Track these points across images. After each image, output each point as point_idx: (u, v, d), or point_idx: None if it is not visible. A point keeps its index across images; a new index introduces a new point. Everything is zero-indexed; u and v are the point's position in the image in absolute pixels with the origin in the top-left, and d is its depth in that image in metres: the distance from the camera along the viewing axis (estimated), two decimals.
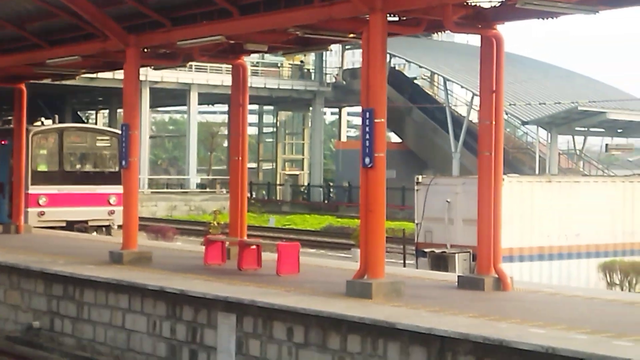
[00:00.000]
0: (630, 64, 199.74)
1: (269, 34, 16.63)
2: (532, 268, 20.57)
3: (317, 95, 63.59)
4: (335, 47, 62.48)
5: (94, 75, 44.22)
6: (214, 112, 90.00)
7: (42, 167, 27.87)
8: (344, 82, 64.17)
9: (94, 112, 78.41)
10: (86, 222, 27.31)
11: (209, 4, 16.47)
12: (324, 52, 59.07)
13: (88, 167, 28.59)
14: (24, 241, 21.96)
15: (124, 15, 17.98)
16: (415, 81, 66.42)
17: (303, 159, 71.05)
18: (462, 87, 54.44)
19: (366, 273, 13.24)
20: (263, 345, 12.68)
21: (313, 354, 12.00)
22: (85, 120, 75.49)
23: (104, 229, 27.65)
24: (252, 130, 73.26)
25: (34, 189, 26.59)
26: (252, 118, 74.39)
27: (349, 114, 76.09)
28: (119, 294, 15.08)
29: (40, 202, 26.73)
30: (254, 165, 72.59)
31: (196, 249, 20.93)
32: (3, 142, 27.91)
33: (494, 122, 14.09)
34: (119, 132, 22.31)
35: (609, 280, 20.35)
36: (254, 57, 58.05)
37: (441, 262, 20.01)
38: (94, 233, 27.00)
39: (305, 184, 67.02)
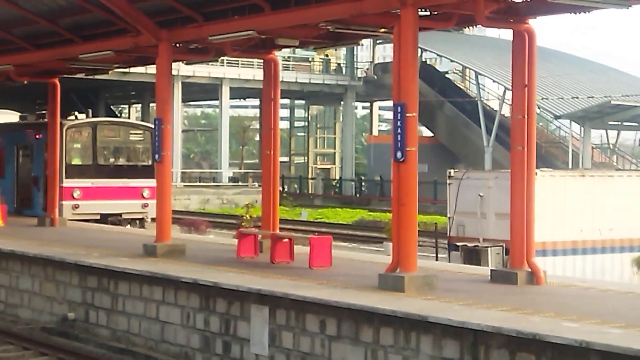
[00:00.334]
0: None
1: (300, 28, 16.67)
2: (565, 262, 20.48)
3: (348, 90, 63.57)
4: (367, 42, 62.45)
5: (126, 70, 44.47)
6: (246, 106, 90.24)
7: (76, 161, 28.11)
8: (375, 77, 64.09)
9: (126, 106, 78.89)
10: (120, 215, 27.52)
11: None
12: (355, 47, 58.99)
13: (121, 161, 28.79)
14: (59, 234, 22.19)
15: (156, 11, 18.10)
16: (447, 75, 66.21)
17: (335, 152, 71.07)
18: (494, 81, 54.23)
19: (398, 266, 13.27)
20: (296, 338, 12.75)
21: (346, 347, 12.06)
22: (118, 115, 76.00)
23: (137, 222, 27.84)
24: (283, 124, 73.47)
25: (68, 183, 26.82)
26: (284, 112, 74.55)
27: (380, 108, 75.98)
28: (153, 286, 15.22)
29: (75, 195, 26.97)
30: (285, 159, 72.72)
31: (229, 242, 21.05)
32: (37, 136, 28.20)
33: (526, 117, 14.05)
34: (152, 126, 22.47)
35: None
36: (285, 51, 58.18)
37: (474, 256, 19.96)
38: (128, 226, 27.20)
39: (337, 177, 67.05)
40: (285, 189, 61.25)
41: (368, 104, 74.10)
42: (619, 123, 52.97)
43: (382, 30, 15.56)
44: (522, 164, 14.03)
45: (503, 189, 17.60)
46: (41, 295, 17.93)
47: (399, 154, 13.23)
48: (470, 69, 58.62)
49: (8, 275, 18.88)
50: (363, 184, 62.09)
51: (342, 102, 65.93)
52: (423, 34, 14.34)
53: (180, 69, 50.61)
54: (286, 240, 16.85)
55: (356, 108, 74.67)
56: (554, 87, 51.30)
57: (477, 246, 20.28)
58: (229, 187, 55.45)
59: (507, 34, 15.83)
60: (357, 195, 60.14)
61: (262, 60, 19.17)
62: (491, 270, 15.01)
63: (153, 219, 23.09)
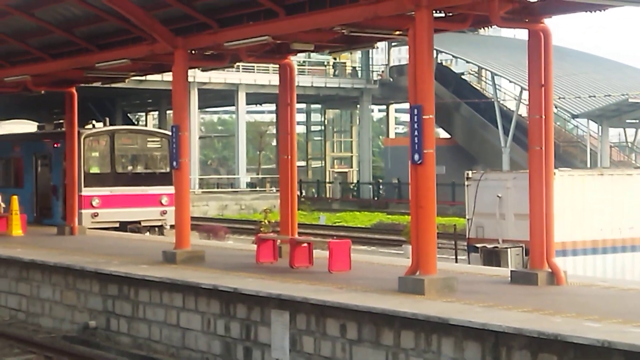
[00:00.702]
0: None
1: (315, 33, 16.68)
2: (585, 262, 20.38)
3: (364, 93, 63.57)
4: (382, 44, 62.42)
5: (142, 78, 44.67)
6: (262, 112, 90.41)
7: (95, 169, 28.22)
8: (391, 79, 64.08)
9: (143, 114, 79.21)
10: (139, 222, 27.60)
11: (255, 5, 16.57)
12: (370, 50, 59.03)
13: (139, 169, 28.89)
14: (79, 242, 22.28)
15: (171, 18, 18.16)
16: (463, 76, 66.11)
17: (352, 156, 71.08)
18: (510, 81, 54.10)
19: (418, 269, 13.25)
20: (317, 342, 12.75)
21: (367, 350, 12.05)
22: (136, 122, 76.29)
23: (156, 229, 27.92)
24: (300, 129, 73.53)
25: (87, 191, 26.94)
26: (300, 117, 74.60)
27: (396, 110, 75.94)
28: (173, 293, 15.25)
29: (94, 203, 27.07)
30: (303, 163, 72.80)
31: (248, 247, 21.07)
32: (56, 145, 28.33)
33: (543, 116, 14.01)
34: (169, 133, 22.53)
35: None
36: (301, 56, 58.19)
37: (493, 257, 19.90)
38: (147, 233, 27.27)
39: (355, 181, 67.05)
40: (303, 194, 61.30)
41: (384, 107, 74.08)
42: (637, 121, 52.72)
43: (397, 32, 15.55)
44: (540, 164, 13.99)
45: (521, 190, 17.54)
46: (62, 303, 18.01)
47: (416, 157, 13.22)
48: (486, 69, 58.52)
49: (29, 285, 18.97)
50: (381, 187, 62.05)
51: (358, 106, 65.94)
52: (438, 36, 14.32)
53: (196, 75, 50.76)
54: (305, 244, 16.84)
55: (372, 111, 74.68)
56: (571, 86, 51.12)
57: (497, 247, 20.21)
58: (246, 193, 55.56)
59: (522, 34, 15.78)
60: (375, 199, 60.13)
61: (277, 66, 19.19)
62: (511, 271, 14.96)
63: (172, 226, 23.15)
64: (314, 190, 67.14)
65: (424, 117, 13.17)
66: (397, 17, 14.39)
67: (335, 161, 74.23)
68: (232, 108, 62.36)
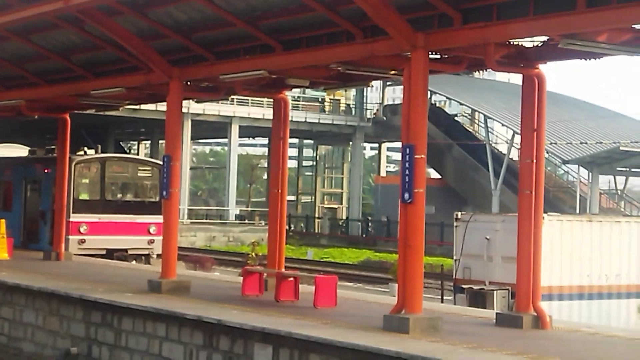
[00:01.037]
0: None
1: (310, 69, 16.77)
2: (571, 307, 20.39)
3: (357, 130, 63.75)
4: (376, 83, 62.69)
5: (137, 107, 44.76)
6: (255, 145, 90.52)
7: (84, 196, 28.19)
8: (384, 118, 64.28)
9: (136, 142, 79.20)
10: (126, 250, 27.53)
11: (252, 39, 16.67)
12: (365, 88, 59.25)
13: (129, 197, 28.85)
14: (64, 268, 22.18)
15: (168, 49, 18.24)
16: (456, 118, 66.40)
17: (342, 192, 71.12)
18: (502, 124, 54.34)
19: (404, 308, 13.23)
20: None
21: None
22: (128, 151, 76.27)
23: (143, 257, 27.84)
24: (291, 164, 73.58)
25: (75, 217, 26.87)
26: (292, 151, 74.71)
27: (388, 149, 76.15)
28: (157, 323, 15.18)
29: (81, 230, 27.00)
30: (293, 198, 72.80)
31: (234, 279, 21.02)
32: (46, 171, 28.30)
33: (534, 161, 14.09)
34: (160, 162, 22.55)
35: None
36: (295, 91, 58.46)
37: (479, 298, 19.89)
38: (134, 262, 27.20)
39: (344, 217, 67.03)
40: (292, 228, 61.21)
41: (376, 145, 74.25)
42: (627, 169, 52.93)
43: (393, 72, 15.64)
44: (529, 208, 14.04)
45: (510, 233, 17.57)
46: (44, 329, 17.90)
47: (406, 195, 13.26)
48: (479, 112, 58.78)
49: (12, 309, 18.86)
50: (370, 224, 62.03)
51: (350, 143, 66.09)
52: (433, 77, 14.41)
53: (190, 106, 50.82)
54: (291, 279, 16.82)
55: (364, 149, 74.86)
56: (563, 132, 51.38)
57: (483, 289, 20.21)
58: (235, 225, 55.46)
59: (516, 78, 15.91)
60: (364, 236, 60.07)
61: (271, 100, 19.26)
62: (497, 313, 14.96)
63: (159, 255, 23.09)
64: (302, 225, 67.06)
65: (415, 156, 13.22)
66: (393, 56, 14.49)
67: (325, 197, 74.25)
68: (225, 140, 62.44)
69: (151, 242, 27.60)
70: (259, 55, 16.80)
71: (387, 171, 76.71)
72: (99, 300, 16.42)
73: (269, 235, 18.77)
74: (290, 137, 20.61)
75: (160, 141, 64.88)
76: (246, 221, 58.42)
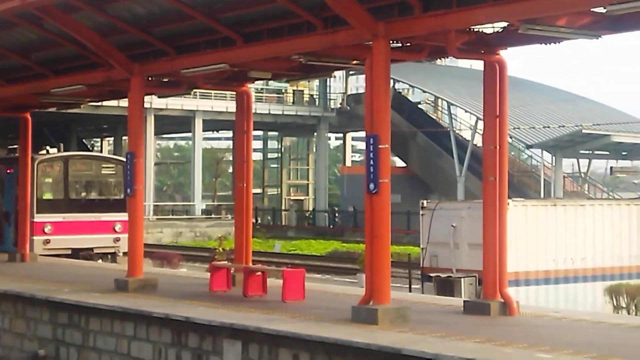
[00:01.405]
0: (635, 87, 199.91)
1: (272, 61, 16.71)
2: (538, 292, 20.52)
3: (321, 121, 63.71)
4: (339, 73, 62.63)
5: (99, 104, 44.36)
6: (219, 139, 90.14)
7: (48, 195, 27.93)
8: (348, 108, 64.31)
9: (99, 139, 78.60)
10: (91, 249, 27.34)
11: (212, 32, 16.56)
12: (328, 78, 59.21)
13: (93, 195, 28.63)
14: (30, 269, 21.97)
15: (128, 45, 18.08)
16: (419, 106, 66.54)
17: (308, 184, 71.09)
18: (466, 111, 54.54)
19: (372, 299, 13.22)
20: None
21: None
22: (91, 148, 75.68)
23: (109, 256, 27.66)
24: (256, 156, 73.44)
25: (39, 217, 26.63)
26: (257, 144, 74.55)
27: (353, 138, 76.16)
28: (125, 322, 15.06)
29: (46, 230, 26.76)
30: (259, 190, 72.60)
31: (202, 275, 20.92)
32: (8, 171, 27.99)
33: (498, 147, 14.13)
34: (124, 159, 22.37)
35: (615, 303, 20.29)
36: (258, 83, 58.27)
37: (447, 286, 19.96)
38: (100, 260, 27.01)
39: (311, 209, 67.01)
40: (259, 221, 61.11)
41: (341, 135, 74.25)
42: (591, 152, 53.37)
43: (355, 62, 15.62)
44: (494, 194, 14.08)
45: (476, 220, 17.64)
46: (11, 332, 17.71)
47: (371, 186, 13.24)
48: (442, 99, 58.96)
49: None
50: (337, 215, 62.06)
51: (315, 134, 66.06)
52: (395, 65, 14.40)
53: (153, 101, 50.54)
54: (259, 273, 16.77)
55: (329, 139, 74.86)
56: (526, 117, 51.64)
57: (450, 277, 20.29)
58: (202, 220, 55.25)
59: (478, 64, 15.93)
60: (331, 227, 60.09)
61: (234, 93, 19.17)
62: (464, 301, 15.01)
63: (125, 253, 22.93)
64: (269, 217, 66.95)
65: (379, 146, 13.20)
66: (355, 46, 14.46)
67: (291, 189, 74.18)
68: (189, 134, 62.15)
69: (117, 240, 27.40)
70: (220, 49, 16.71)
71: (352, 161, 76.76)
72: (66, 301, 16.27)
73: (236, 230, 18.70)
74: (255, 130, 20.57)
75: (124, 137, 64.41)
76: (213, 216, 58.23)
